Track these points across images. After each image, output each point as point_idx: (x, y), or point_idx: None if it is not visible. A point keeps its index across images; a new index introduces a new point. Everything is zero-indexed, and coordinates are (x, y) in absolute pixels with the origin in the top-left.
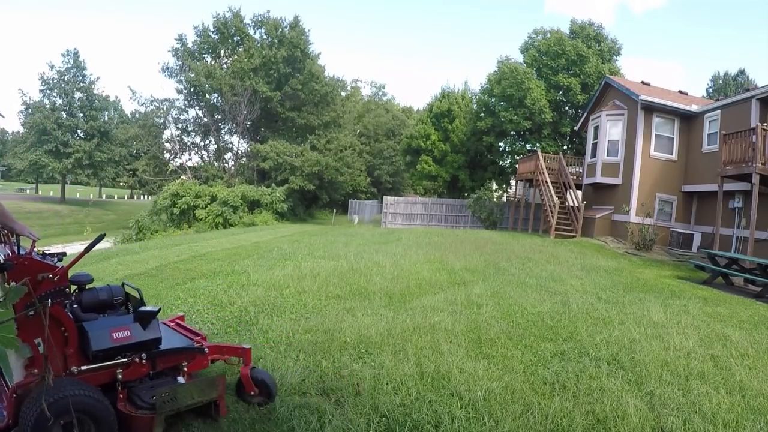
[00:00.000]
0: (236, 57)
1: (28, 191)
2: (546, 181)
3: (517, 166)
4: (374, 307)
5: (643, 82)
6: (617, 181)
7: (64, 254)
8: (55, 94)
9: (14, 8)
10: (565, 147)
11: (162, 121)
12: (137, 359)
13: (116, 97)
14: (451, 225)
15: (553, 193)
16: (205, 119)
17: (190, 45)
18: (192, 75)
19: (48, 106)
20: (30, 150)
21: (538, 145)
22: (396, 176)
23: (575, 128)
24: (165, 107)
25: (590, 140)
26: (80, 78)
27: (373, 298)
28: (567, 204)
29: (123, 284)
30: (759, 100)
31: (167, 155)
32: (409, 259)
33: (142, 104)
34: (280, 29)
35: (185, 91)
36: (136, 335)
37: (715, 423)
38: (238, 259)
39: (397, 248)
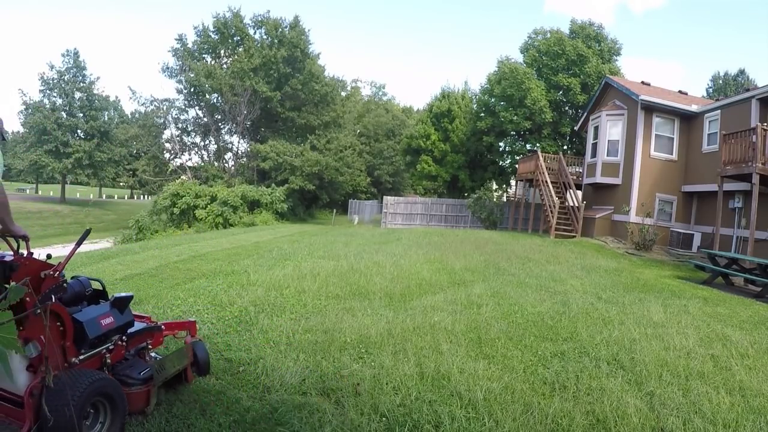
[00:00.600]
0: (236, 57)
1: (28, 191)
2: (546, 181)
3: (517, 166)
4: (374, 307)
5: (643, 82)
6: (617, 181)
7: (49, 255)
8: (55, 94)
9: (14, 8)
10: (565, 147)
11: (162, 121)
12: (119, 342)
13: (116, 97)
14: (451, 225)
15: (553, 193)
16: (205, 119)
17: (190, 45)
18: (192, 75)
19: (48, 106)
20: (30, 150)
21: (538, 145)
22: (396, 176)
23: (575, 128)
24: (165, 107)
25: (590, 140)
26: (80, 78)
27: (373, 298)
28: (567, 204)
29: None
30: (759, 100)
31: (167, 155)
32: (409, 259)
33: (142, 104)
34: (280, 29)
35: (185, 91)
36: (116, 320)
37: (715, 423)
38: (238, 259)
39: (397, 248)
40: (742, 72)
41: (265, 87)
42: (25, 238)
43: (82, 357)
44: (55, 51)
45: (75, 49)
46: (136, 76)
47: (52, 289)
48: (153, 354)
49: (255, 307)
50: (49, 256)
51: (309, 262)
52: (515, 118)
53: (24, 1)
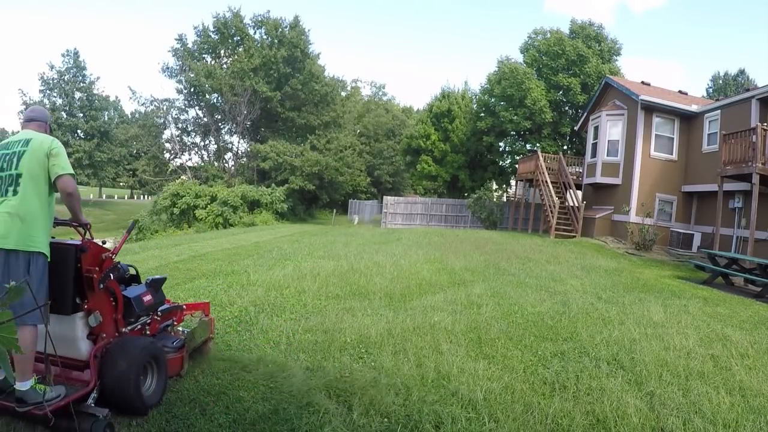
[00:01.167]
0: (236, 57)
1: None
2: (546, 181)
3: (517, 166)
4: (374, 307)
5: (643, 82)
6: (617, 181)
7: (104, 241)
8: (55, 94)
9: (14, 8)
10: (565, 147)
11: (162, 121)
12: (155, 317)
13: (116, 97)
14: (451, 225)
15: (553, 193)
16: (205, 119)
17: (190, 45)
18: (192, 75)
19: (48, 106)
20: None
21: (538, 145)
22: (396, 176)
23: (575, 128)
24: (165, 107)
25: (590, 140)
26: (80, 78)
27: (373, 298)
28: (567, 204)
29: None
30: (759, 100)
31: (167, 155)
32: (409, 259)
33: (142, 104)
34: (280, 29)
35: (185, 91)
36: (154, 298)
37: (715, 423)
38: (238, 259)
39: (397, 248)
40: (742, 72)
41: (265, 87)
42: (88, 226)
43: (129, 328)
44: (55, 51)
45: (75, 49)
46: (136, 76)
47: (110, 269)
48: (180, 328)
49: (255, 307)
50: (104, 242)
51: (309, 262)
52: (515, 118)
53: (24, 1)
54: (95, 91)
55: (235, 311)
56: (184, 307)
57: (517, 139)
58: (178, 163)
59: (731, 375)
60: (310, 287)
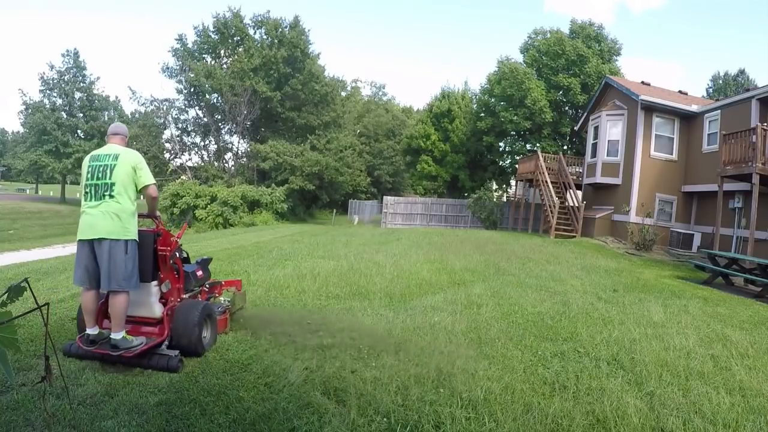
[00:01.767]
0: (236, 57)
1: (28, 191)
2: (546, 181)
3: (517, 166)
4: (374, 307)
5: (643, 82)
6: (617, 181)
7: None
8: (55, 94)
9: (14, 8)
10: (565, 147)
11: (162, 121)
12: (204, 288)
13: (116, 97)
14: (451, 225)
15: (553, 193)
16: (205, 119)
17: (190, 45)
18: (192, 75)
19: (48, 106)
20: (30, 150)
21: (538, 145)
22: (396, 176)
23: (575, 128)
24: (165, 107)
25: (590, 140)
26: (80, 78)
27: (373, 298)
28: (567, 204)
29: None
30: (759, 100)
31: (167, 155)
32: (409, 259)
33: (142, 104)
34: (280, 29)
35: (185, 91)
36: (203, 274)
37: (715, 423)
38: (238, 259)
39: (397, 248)
40: (742, 72)
41: (265, 87)
42: (159, 218)
43: (187, 296)
44: (55, 51)
45: (75, 49)
46: (136, 76)
47: (176, 250)
48: (221, 298)
49: (255, 308)
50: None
51: (309, 262)
52: (515, 118)
53: (24, 1)
54: (95, 91)
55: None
56: (223, 282)
57: (517, 139)
58: (178, 163)
59: (731, 375)
60: (310, 287)
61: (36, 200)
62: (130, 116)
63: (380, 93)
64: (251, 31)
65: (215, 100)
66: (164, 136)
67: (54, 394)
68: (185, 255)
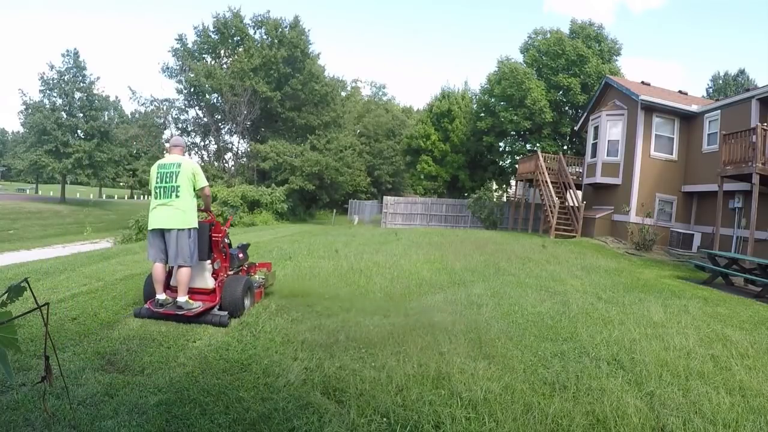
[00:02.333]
0: (236, 57)
1: (28, 191)
2: (546, 181)
3: (517, 166)
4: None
5: (643, 82)
6: (617, 181)
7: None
8: (55, 94)
9: (14, 8)
10: (565, 147)
11: (162, 121)
12: (243, 267)
13: (116, 97)
14: (451, 225)
15: (553, 193)
16: (205, 119)
17: (190, 45)
18: (192, 75)
19: (48, 106)
20: (30, 150)
21: (538, 145)
22: (396, 176)
23: (575, 128)
24: (165, 107)
25: (590, 140)
26: (80, 78)
27: (373, 299)
28: (567, 204)
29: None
30: (759, 100)
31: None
32: (409, 259)
33: (142, 104)
34: (280, 29)
35: (185, 91)
36: (243, 256)
37: (715, 423)
38: None
39: (397, 248)
40: (742, 72)
41: (265, 87)
42: (212, 212)
43: (232, 272)
44: (55, 51)
45: (75, 49)
46: (136, 76)
47: (224, 236)
48: (256, 276)
49: (255, 308)
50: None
51: (309, 261)
52: (515, 118)
53: (24, 1)
54: (95, 91)
55: None
56: (257, 264)
57: (517, 139)
58: None
59: (731, 375)
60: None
61: (36, 200)
62: (130, 116)
63: (380, 93)
64: (251, 31)
65: (215, 100)
66: (164, 136)
67: (54, 394)
68: (229, 241)
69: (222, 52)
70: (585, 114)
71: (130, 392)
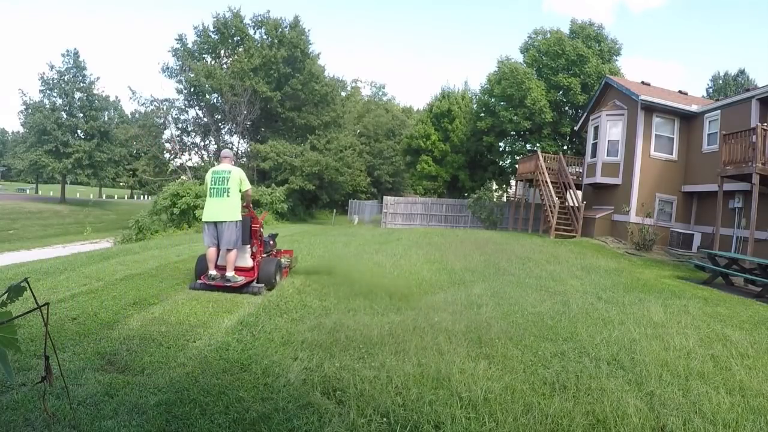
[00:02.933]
0: (236, 57)
1: (28, 191)
2: (546, 181)
3: (517, 166)
4: (374, 306)
5: (643, 82)
6: (617, 181)
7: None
8: (55, 94)
9: (14, 8)
10: (565, 147)
11: (162, 121)
12: (274, 252)
13: (116, 97)
14: (451, 225)
15: (553, 193)
16: (205, 119)
17: (190, 45)
18: (192, 75)
19: (48, 106)
20: (30, 150)
21: (538, 145)
22: (396, 176)
23: (575, 128)
24: (165, 107)
25: (590, 140)
26: (80, 78)
27: (373, 298)
28: (567, 204)
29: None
30: (759, 100)
31: (167, 155)
32: (409, 259)
33: (142, 104)
34: (280, 29)
35: (185, 91)
36: (273, 243)
37: (715, 423)
38: None
39: (397, 248)
40: (742, 72)
41: (265, 87)
42: (252, 208)
43: (264, 256)
44: (55, 51)
45: (75, 49)
46: (136, 76)
47: (260, 227)
48: (282, 260)
49: (255, 308)
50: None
51: (309, 261)
52: (515, 118)
53: (24, 1)
54: (95, 91)
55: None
56: (282, 251)
57: (517, 139)
58: (178, 163)
59: (731, 375)
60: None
61: (36, 200)
62: (130, 116)
63: (380, 93)
64: (251, 31)
65: (215, 100)
66: (164, 136)
67: (54, 394)
68: (262, 231)
69: (222, 52)
70: (585, 114)
71: (130, 392)
